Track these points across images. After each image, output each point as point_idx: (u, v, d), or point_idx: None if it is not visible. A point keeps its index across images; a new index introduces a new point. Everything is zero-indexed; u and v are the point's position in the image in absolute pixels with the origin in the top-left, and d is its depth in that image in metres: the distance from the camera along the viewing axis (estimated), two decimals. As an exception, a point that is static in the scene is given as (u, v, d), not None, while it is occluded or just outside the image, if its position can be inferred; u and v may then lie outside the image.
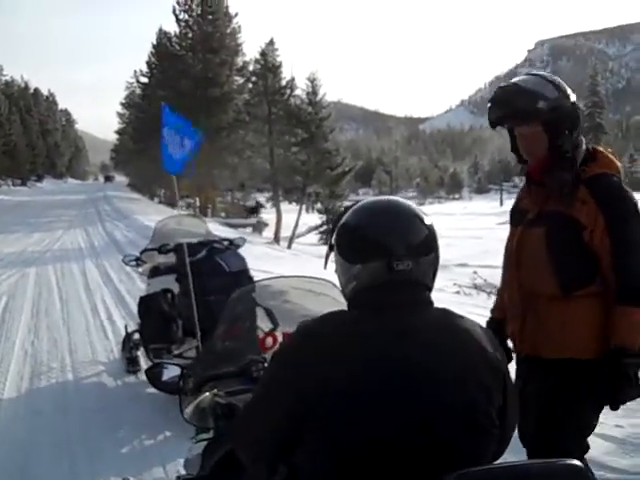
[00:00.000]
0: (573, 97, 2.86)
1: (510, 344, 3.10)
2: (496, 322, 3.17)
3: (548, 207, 2.86)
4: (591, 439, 4.20)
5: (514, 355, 3.09)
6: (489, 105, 2.91)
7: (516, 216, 3.07)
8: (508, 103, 2.84)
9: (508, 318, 3.07)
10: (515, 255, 2.97)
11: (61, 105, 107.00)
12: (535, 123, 2.80)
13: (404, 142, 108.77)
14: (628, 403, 5.30)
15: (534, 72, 2.95)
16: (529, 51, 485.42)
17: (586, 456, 3.90)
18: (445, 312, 1.77)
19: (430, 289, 1.80)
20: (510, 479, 1.53)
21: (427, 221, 1.78)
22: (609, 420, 4.71)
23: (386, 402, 1.61)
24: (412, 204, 1.84)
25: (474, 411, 1.66)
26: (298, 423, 1.64)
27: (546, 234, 2.84)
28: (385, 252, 1.71)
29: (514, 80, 2.93)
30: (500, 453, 1.84)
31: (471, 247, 23.02)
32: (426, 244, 1.76)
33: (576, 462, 1.53)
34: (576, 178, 2.80)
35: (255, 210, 41.92)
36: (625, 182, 2.93)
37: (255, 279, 5.24)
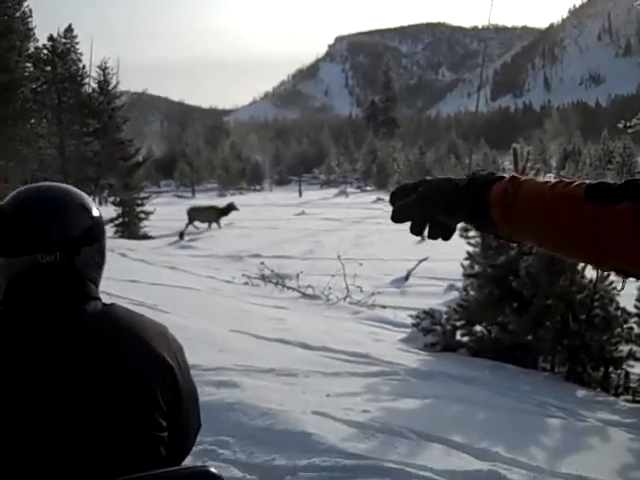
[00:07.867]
0: None
1: None
2: None
3: None
4: (335, 426, 4.33)
5: None
6: None
7: None
8: None
9: None
10: None
11: None
12: None
13: (208, 133, 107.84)
14: (374, 385, 5.48)
15: None
16: (329, 46, 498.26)
17: (328, 444, 3.97)
18: (110, 308, 1.65)
19: (95, 283, 1.67)
20: None
21: (91, 209, 1.66)
22: (357, 406, 4.85)
23: (33, 409, 1.48)
24: (76, 191, 1.70)
25: (131, 415, 1.55)
26: None
27: None
28: (28, 243, 1.57)
29: None
30: (180, 458, 1.75)
31: (266, 238, 23.21)
32: (87, 234, 1.64)
33: (210, 469, 1.46)
34: None
35: None
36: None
37: None
